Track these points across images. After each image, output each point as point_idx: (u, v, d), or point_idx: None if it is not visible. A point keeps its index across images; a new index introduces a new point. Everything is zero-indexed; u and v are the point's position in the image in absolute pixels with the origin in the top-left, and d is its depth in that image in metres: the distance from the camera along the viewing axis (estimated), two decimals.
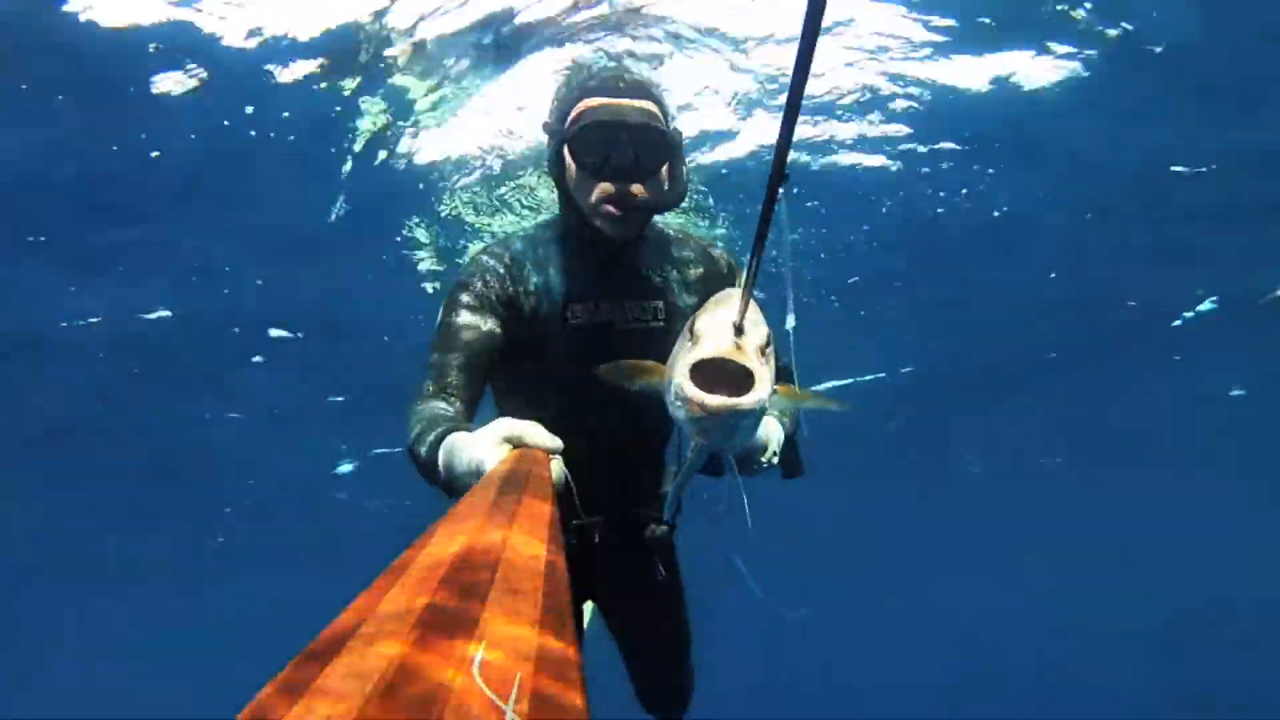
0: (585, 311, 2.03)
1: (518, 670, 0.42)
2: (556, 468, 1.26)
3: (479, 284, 1.95)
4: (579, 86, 2.02)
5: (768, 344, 1.21)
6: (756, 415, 1.19)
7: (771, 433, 1.81)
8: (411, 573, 0.56)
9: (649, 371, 1.44)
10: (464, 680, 0.40)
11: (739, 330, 1.14)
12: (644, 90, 1.95)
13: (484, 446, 1.29)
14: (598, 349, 1.89)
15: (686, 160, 2.05)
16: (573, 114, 1.93)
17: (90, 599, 16.15)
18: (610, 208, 1.90)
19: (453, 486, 1.42)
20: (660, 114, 1.93)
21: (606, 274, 2.04)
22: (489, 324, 1.91)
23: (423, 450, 1.53)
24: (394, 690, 0.39)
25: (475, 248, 1.93)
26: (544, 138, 2.11)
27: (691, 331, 1.23)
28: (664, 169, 1.95)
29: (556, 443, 1.30)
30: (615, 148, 1.87)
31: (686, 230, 2.29)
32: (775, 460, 1.81)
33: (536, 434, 1.31)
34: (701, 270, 2.18)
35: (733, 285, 2.17)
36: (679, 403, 1.18)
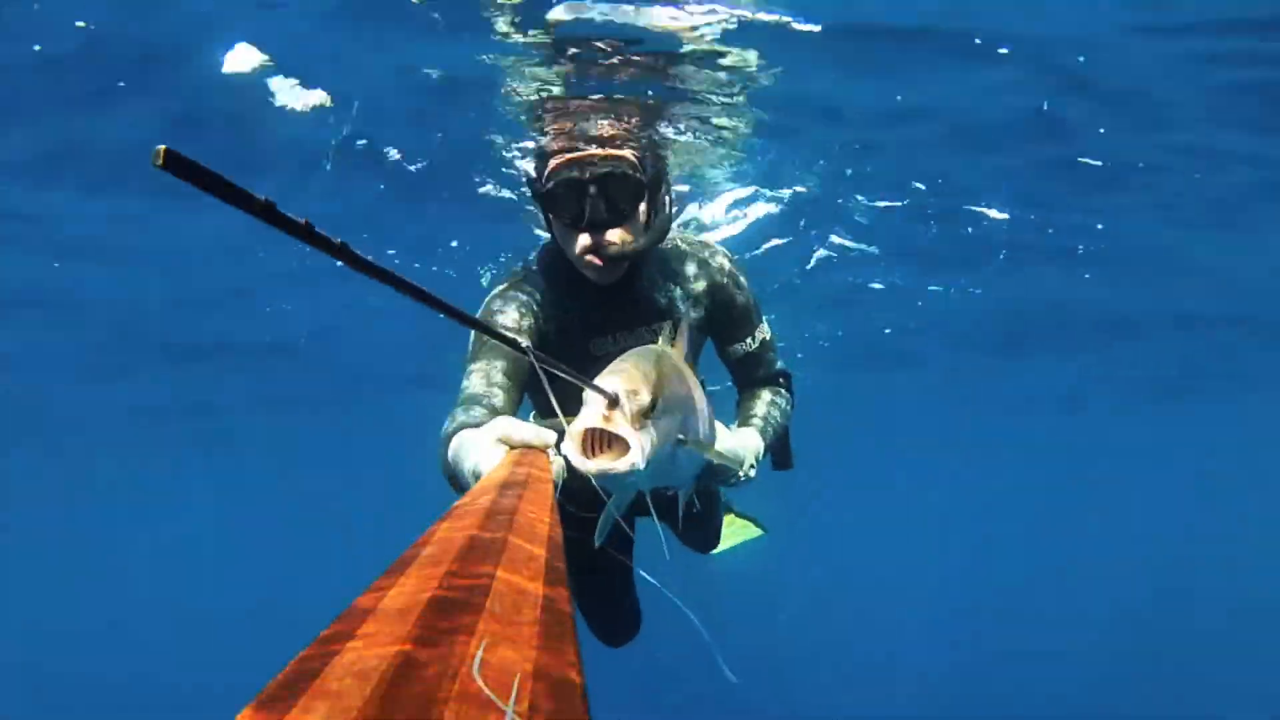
0: (605, 344, 2.16)
1: (517, 670, 0.42)
2: (556, 465, 1.26)
3: (513, 311, 2.07)
4: (552, 141, 2.12)
5: (651, 408, 1.33)
6: (650, 468, 1.32)
7: (746, 450, 1.96)
8: (411, 573, 0.56)
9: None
10: (464, 680, 0.40)
11: (614, 402, 1.27)
12: (626, 133, 2.03)
13: (482, 449, 1.30)
14: None
15: (669, 190, 2.14)
16: (547, 169, 2.03)
17: None
18: (592, 258, 2.01)
19: (462, 487, 1.45)
20: (631, 156, 2.00)
21: (618, 303, 2.14)
22: (523, 340, 1.98)
23: (439, 448, 1.61)
24: (394, 690, 0.39)
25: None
26: None
27: (585, 398, 1.35)
28: (641, 208, 2.02)
29: (550, 438, 1.31)
30: (586, 201, 1.95)
31: (689, 239, 2.34)
32: (752, 474, 1.97)
33: (531, 432, 1.31)
34: (704, 284, 2.26)
35: (733, 286, 2.29)
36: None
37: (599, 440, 1.31)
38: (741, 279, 2.29)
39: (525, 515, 0.76)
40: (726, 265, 2.28)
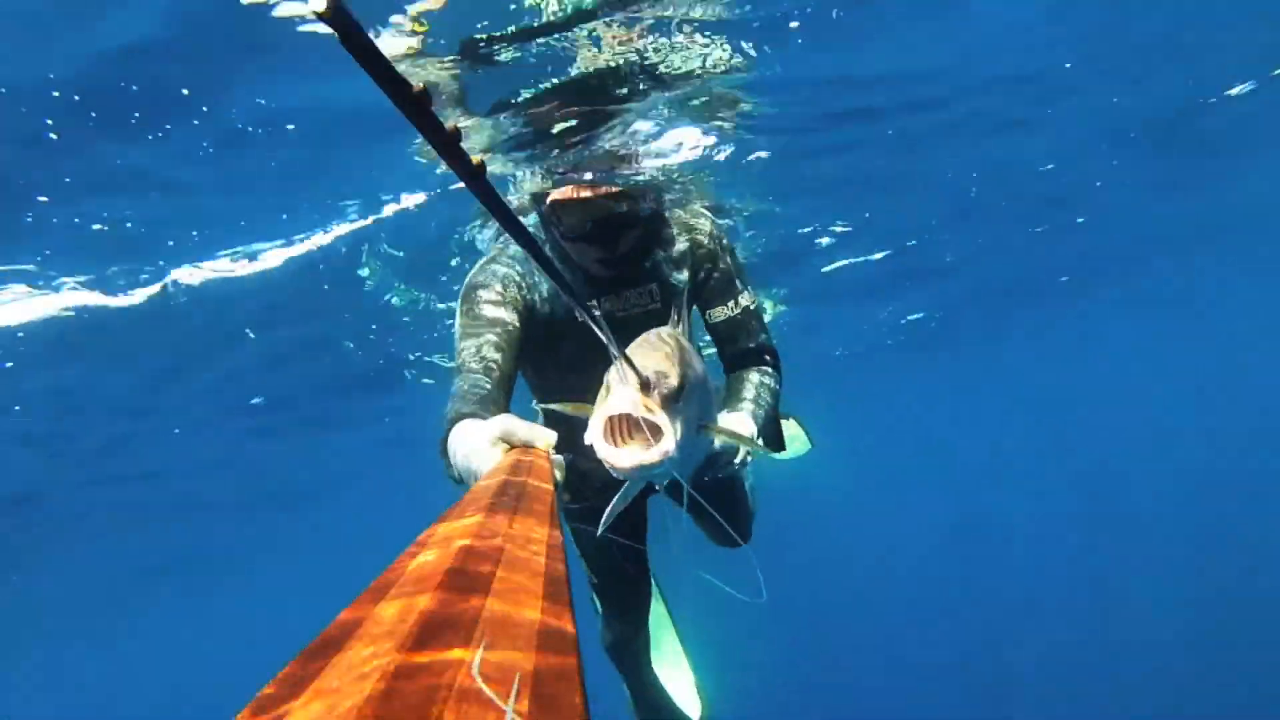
0: (600, 312, 2.16)
1: (518, 670, 0.42)
2: (557, 465, 1.25)
3: (497, 285, 2.08)
4: (550, 171, 2.19)
5: (681, 390, 1.24)
6: (677, 458, 1.23)
7: (740, 437, 1.91)
8: (411, 572, 0.56)
9: (585, 409, 1.45)
10: (464, 680, 0.40)
11: (645, 385, 1.18)
12: (609, 172, 2.11)
13: (480, 447, 1.29)
14: None
15: (662, 199, 2.23)
16: (552, 196, 2.08)
17: None
18: (600, 268, 2.09)
19: (459, 480, 1.44)
20: (628, 189, 2.09)
21: (605, 270, 2.15)
22: (510, 315, 2.02)
23: (441, 437, 1.60)
24: (394, 689, 0.39)
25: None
26: None
27: (607, 383, 1.26)
28: (643, 225, 2.10)
29: (550, 438, 1.30)
30: (591, 234, 2.04)
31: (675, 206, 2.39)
32: (749, 459, 1.93)
33: (530, 432, 1.30)
34: (686, 245, 2.28)
35: (717, 250, 2.30)
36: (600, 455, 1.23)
37: (621, 427, 1.24)
38: (725, 242, 2.31)
39: (524, 518, 0.76)
40: (709, 228, 2.30)
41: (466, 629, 0.46)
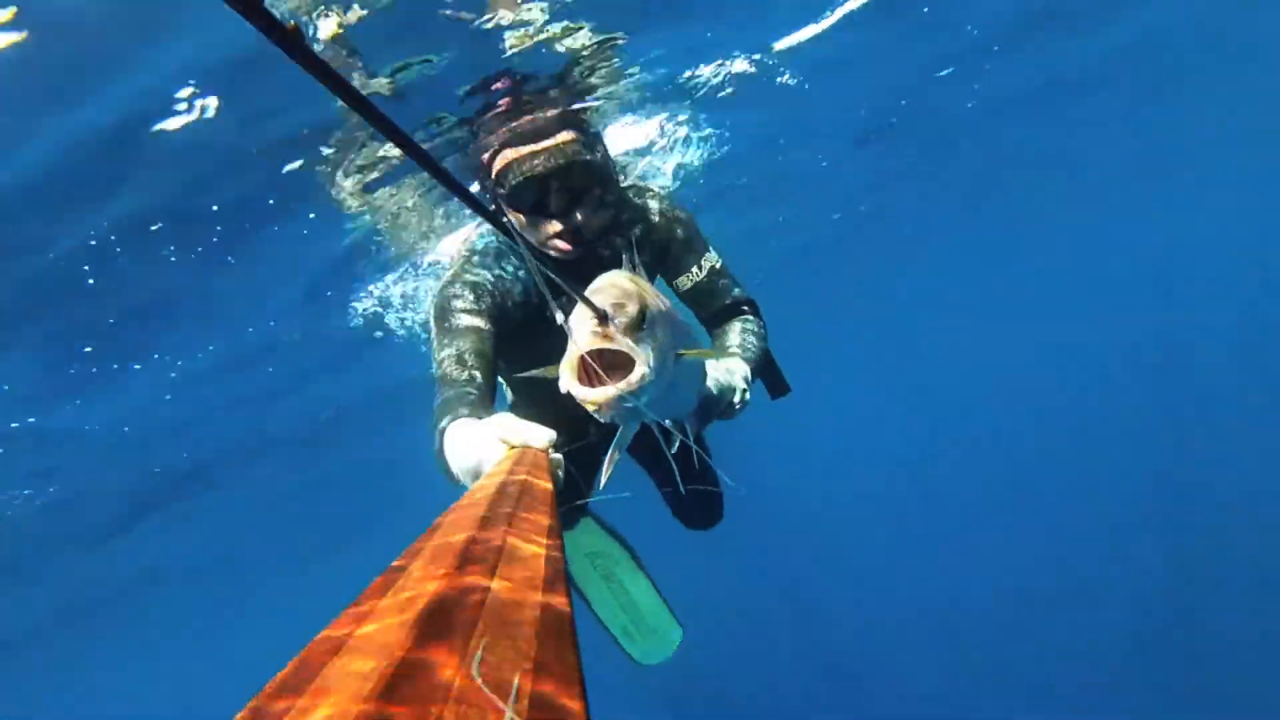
0: (565, 306, 2.12)
1: (518, 669, 0.43)
2: (555, 464, 1.25)
3: (470, 294, 2.08)
4: (499, 136, 2.13)
5: (642, 317, 1.25)
6: (659, 384, 1.23)
7: (734, 375, 1.93)
8: (411, 572, 0.56)
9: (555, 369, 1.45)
10: (463, 680, 0.40)
11: (604, 318, 1.18)
12: (560, 121, 2.05)
13: (480, 447, 1.30)
14: None
15: (613, 161, 2.19)
16: (497, 166, 2.04)
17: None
18: (561, 243, 2.05)
19: (457, 480, 1.44)
20: (581, 137, 2.05)
21: (567, 245, 2.13)
22: (485, 322, 2.03)
23: (434, 441, 1.60)
24: (393, 690, 0.39)
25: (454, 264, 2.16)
26: None
27: (569, 331, 1.27)
28: (597, 186, 2.07)
29: (549, 438, 1.30)
30: (549, 195, 2.00)
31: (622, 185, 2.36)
32: (747, 398, 1.92)
33: (530, 432, 1.30)
34: (641, 229, 2.29)
35: (670, 223, 2.31)
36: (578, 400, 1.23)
37: (595, 379, 1.24)
38: (678, 213, 2.33)
39: (524, 517, 0.76)
40: (659, 205, 2.32)
41: (466, 630, 0.47)
